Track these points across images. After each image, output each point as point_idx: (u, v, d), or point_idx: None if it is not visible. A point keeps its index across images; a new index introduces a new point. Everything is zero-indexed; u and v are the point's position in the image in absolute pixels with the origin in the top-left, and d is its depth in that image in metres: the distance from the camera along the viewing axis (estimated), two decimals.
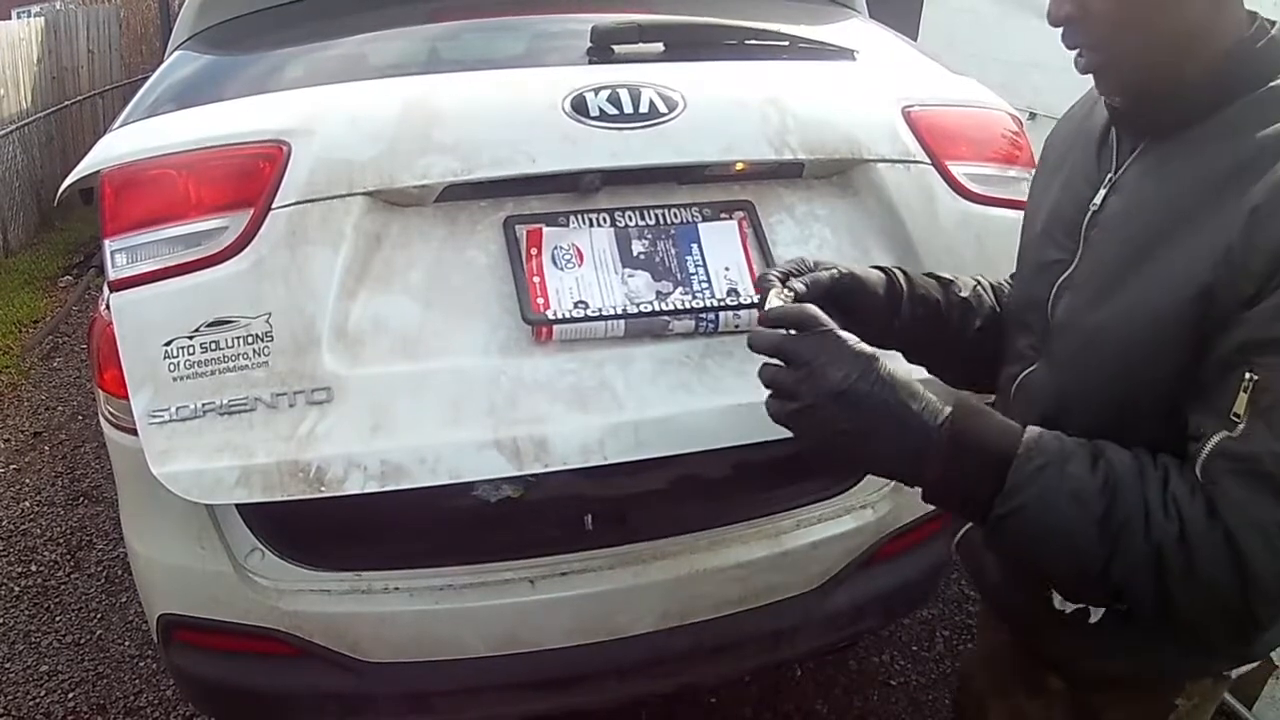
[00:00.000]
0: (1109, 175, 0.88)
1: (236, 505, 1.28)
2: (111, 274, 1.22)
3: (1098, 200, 0.88)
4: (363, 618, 1.35)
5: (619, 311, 1.29)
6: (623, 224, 1.38)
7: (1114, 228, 0.85)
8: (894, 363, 0.83)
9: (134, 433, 1.19)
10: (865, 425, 0.79)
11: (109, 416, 1.33)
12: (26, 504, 2.96)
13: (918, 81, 1.63)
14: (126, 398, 1.19)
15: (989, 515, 0.78)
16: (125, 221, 1.23)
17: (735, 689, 2.08)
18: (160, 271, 1.20)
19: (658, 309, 1.31)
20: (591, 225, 1.37)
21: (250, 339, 1.20)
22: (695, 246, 1.38)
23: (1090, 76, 0.85)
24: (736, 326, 1.33)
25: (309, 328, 1.22)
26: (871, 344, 0.90)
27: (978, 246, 1.44)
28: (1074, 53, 0.84)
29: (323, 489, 1.18)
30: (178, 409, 1.18)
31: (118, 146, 1.32)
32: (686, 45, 1.53)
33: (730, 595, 1.48)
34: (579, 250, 1.35)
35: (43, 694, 2.13)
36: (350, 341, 1.24)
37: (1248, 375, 0.72)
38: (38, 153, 6.68)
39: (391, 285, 1.28)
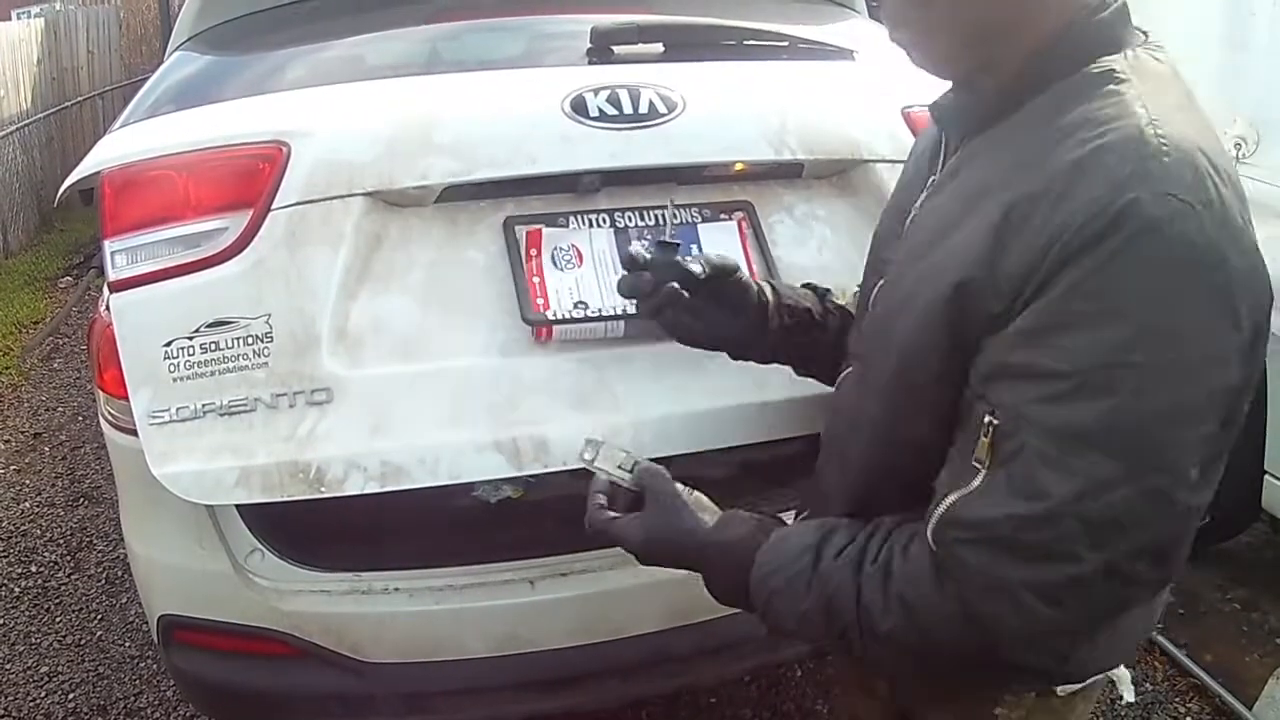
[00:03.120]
0: (932, 178, 0.85)
1: (236, 506, 1.28)
2: (111, 275, 1.22)
3: (919, 202, 0.86)
4: (363, 618, 1.35)
5: (619, 312, 1.29)
6: (622, 224, 1.38)
7: (917, 225, 0.83)
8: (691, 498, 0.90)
9: (134, 433, 1.19)
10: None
11: (109, 417, 1.33)
12: (26, 505, 2.96)
13: (917, 82, 1.62)
14: (126, 398, 1.19)
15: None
16: (125, 222, 1.23)
17: (735, 689, 2.08)
18: (160, 272, 1.21)
19: None
20: (591, 226, 1.37)
21: (250, 340, 1.20)
22: (695, 247, 1.38)
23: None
24: None
25: (309, 328, 1.22)
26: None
27: None
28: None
29: (323, 489, 1.18)
30: (178, 410, 1.18)
31: (118, 147, 1.32)
32: (686, 46, 1.53)
33: None
34: (579, 251, 1.35)
35: (43, 695, 2.13)
36: (350, 342, 1.24)
37: (987, 418, 0.67)
38: (38, 154, 6.68)
39: (391, 286, 1.28)
